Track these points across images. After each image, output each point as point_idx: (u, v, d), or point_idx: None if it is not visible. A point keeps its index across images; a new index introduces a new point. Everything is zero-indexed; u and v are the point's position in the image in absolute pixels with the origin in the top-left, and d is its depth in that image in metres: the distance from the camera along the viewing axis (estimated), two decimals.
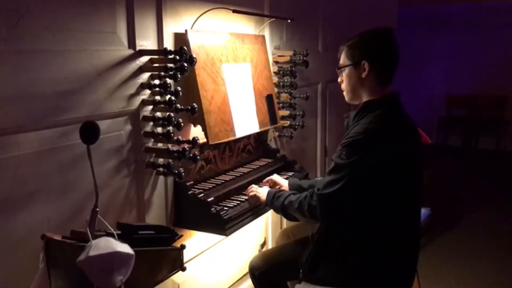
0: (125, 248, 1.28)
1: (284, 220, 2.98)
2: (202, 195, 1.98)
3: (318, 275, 1.91)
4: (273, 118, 2.54)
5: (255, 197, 2.13)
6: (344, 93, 1.98)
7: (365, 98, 1.90)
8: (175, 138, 1.83)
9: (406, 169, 1.81)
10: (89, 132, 1.32)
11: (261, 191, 2.12)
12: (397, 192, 1.81)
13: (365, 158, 1.73)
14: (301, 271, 1.94)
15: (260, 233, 2.78)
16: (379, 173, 1.74)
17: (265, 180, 2.31)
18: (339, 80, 1.99)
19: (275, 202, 1.99)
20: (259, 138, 2.65)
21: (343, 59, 1.94)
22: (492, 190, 5.77)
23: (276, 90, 2.71)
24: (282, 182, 2.26)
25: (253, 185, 2.22)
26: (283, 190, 2.10)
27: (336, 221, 1.85)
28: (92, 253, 1.24)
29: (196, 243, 2.18)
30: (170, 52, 1.78)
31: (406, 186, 1.83)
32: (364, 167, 1.73)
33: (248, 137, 2.53)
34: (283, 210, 1.95)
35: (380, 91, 1.87)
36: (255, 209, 2.12)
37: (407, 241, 1.90)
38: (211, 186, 2.14)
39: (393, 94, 1.89)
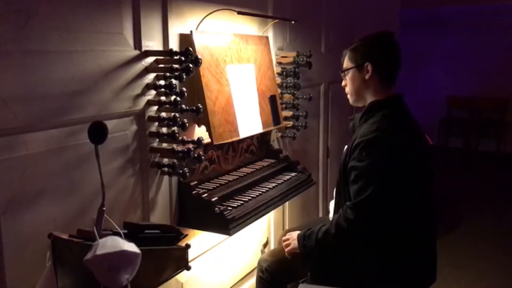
0: (131, 247, 1.29)
1: (287, 220, 3.00)
2: (206, 195, 2.00)
3: (325, 276, 1.91)
4: (276, 119, 2.55)
5: (291, 247, 2.01)
6: (348, 96, 2.01)
7: (369, 99, 1.91)
8: (180, 138, 1.85)
9: (418, 166, 1.83)
10: (98, 132, 1.33)
11: (294, 237, 2.01)
12: (410, 190, 1.81)
13: (385, 154, 1.74)
14: (309, 273, 1.94)
15: (262, 233, 2.79)
16: (398, 169, 1.75)
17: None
18: (343, 84, 2.02)
19: (307, 242, 1.90)
20: (262, 138, 2.66)
21: (346, 63, 1.96)
22: (492, 192, 5.78)
23: (279, 91, 2.72)
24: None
25: (286, 237, 2.09)
26: (311, 228, 1.95)
27: (375, 223, 1.79)
28: (99, 252, 1.25)
29: (199, 242, 2.19)
30: (176, 53, 1.79)
31: (419, 184, 1.84)
32: (386, 163, 1.74)
33: (251, 137, 2.54)
34: (319, 245, 1.86)
35: (385, 91, 1.89)
36: (258, 209, 2.13)
37: (421, 243, 1.88)
38: (214, 186, 2.15)
39: (398, 95, 1.91)
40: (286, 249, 2.03)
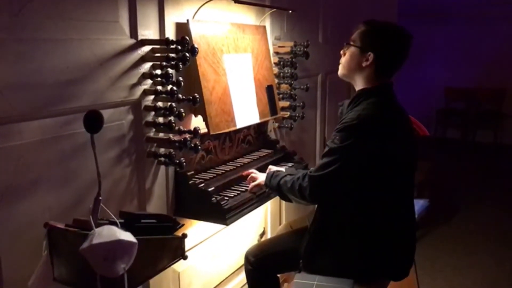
0: (128, 236, 1.29)
1: (284, 210, 3.00)
2: (202, 185, 1.99)
3: (316, 265, 1.94)
4: (273, 109, 2.55)
5: (253, 178, 2.16)
6: (340, 66, 1.99)
7: (359, 83, 1.92)
8: (177, 128, 1.84)
9: (397, 157, 1.83)
10: (93, 121, 1.32)
11: (260, 175, 2.16)
12: (388, 180, 1.83)
13: (358, 143, 1.75)
14: (301, 261, 1.96)
15: (259, 223, 2.80)
16: (371, 158, 1.77)
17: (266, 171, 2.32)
18: (341, 52, 1.98)
19: (272, 180, 2.01)
20: (259, 129, 2.66)
21: (355, 37, 1.92)
22: (489, 183, 5.80)
23: (276, 81, 2.71)
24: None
25: (253, 170, 2.24)
26: (281, 171, 2.11)
27: (324, 203, 1.91)
28: (96, 241, 1.25)
29: (195, 232, 2.19)
30: (172, 42, 1.78)
31: (398, 174, 1.85)
32: (357, 152, 1.76)
33: (248, 127, 2.54)
34: (279, 189, 1.98)
35: (376, 81, 1.89)
36: (255, 199, 2.14)
37: (402, 231, 1.93)
38: (211, 176, 2.15)
39: (387, 83, 1.92)
40: (251, 183, 2.15)
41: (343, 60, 1.96)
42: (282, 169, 2.26)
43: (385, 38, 1.86)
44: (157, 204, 1.93)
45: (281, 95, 2.75)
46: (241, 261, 2.57)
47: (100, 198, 1.37)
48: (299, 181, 1.86)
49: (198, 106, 1.92)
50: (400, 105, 1.93)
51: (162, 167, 1.94)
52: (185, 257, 1.52)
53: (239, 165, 2.35)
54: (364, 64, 1.87)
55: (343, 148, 1.76)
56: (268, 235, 2.85)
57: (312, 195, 1.83)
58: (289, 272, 2.43)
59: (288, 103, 2.77)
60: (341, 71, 1.98)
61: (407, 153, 1.89)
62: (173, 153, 1.86)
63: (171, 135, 1.87)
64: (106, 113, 1.61)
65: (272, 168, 2.25)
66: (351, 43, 1.92)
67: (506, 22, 7.54)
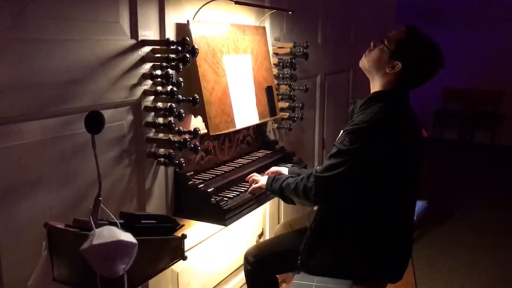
0: (128, 237, 1.29)
1: (282, 211, 3.01)
2: (202, 185, 1.99)
3: (314, 263, 1.94)
4: (272, 110, 2.55)
5: (254, 181, 2.15)
6: (364, 59, 1.92)
7: (376, 84, 1.90)
8: (176, 128, 1.84)
9: (405, 162, 1.83)
10: (95, 122, 1.32)
11: (261, 178, 2.15)
12: (393, 184, 1.83)
13: (366, 147, 1.75)
14: (299, 258, 1.96)
15: (257, 224, 2.80)
16: (379, 163, 1.76)
17: (267, 171, 2.32)
18: (372, 44, 1.91)
19: (274, 184, 2.01)
20: (258, 129, 2.66)
21: (391, 38, 1.85)
22: (486, 184, 5.82)
23: (275, 81, 2.71)
24: (284, 171, 2.27)
25: (254, 173, 2.24)
26: (282, 174, 2.12)
27: (328, 204, 1.90)
28: (96, 241, 1.25)
29: (194, 233, 2.19)
30: (173, 43, 1.78)
31: (403, 179, 1.86)
32: (365, 155, 1.75)
33: (247, 128, 2.54)
34: (281, 192, 1.97)
35: (394, 87, 1.87)
36: (254, 199, 2.14)
37: (401, 233, 1.94)
38: (211, 177, 2.15)
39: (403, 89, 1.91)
40: (252, 185, 2.14)
41: (370, 55, 1.89)
42: (285, 169, 2.26)
43: (420, 56, 1.82)
44: (156, 204, 1.93)
45: (280, 96, 2.76)
46: (240, 261, 2.58)
47: (100, 198, 1.37)
48: (304, 182, 1.85)
49: (198, 106, 1.92)
50: (412, 110, 1.92)
51: (162, 168, 1.94)
52: (184, 258, 1.53)
53: (238, 166, 2.35)
54: (388, 71, 1.83)
55: (352, 150, 1.74)
56: (267, 236, 2.86)
57: (317, 195, 1.82)
58: (288, 273, 2.44)
59: (287, 104, 2.77)
60: (363, 64, 1.93)
61: (414, 158, 1.89)
62: (173, 153, 1.86)
63: (170, 136, 1.87)
64: (106, 114, 1.60)
65: (274, 168, 2.25)
66: (386, 42, 1.85)
67: (503, 23, 7.57)
